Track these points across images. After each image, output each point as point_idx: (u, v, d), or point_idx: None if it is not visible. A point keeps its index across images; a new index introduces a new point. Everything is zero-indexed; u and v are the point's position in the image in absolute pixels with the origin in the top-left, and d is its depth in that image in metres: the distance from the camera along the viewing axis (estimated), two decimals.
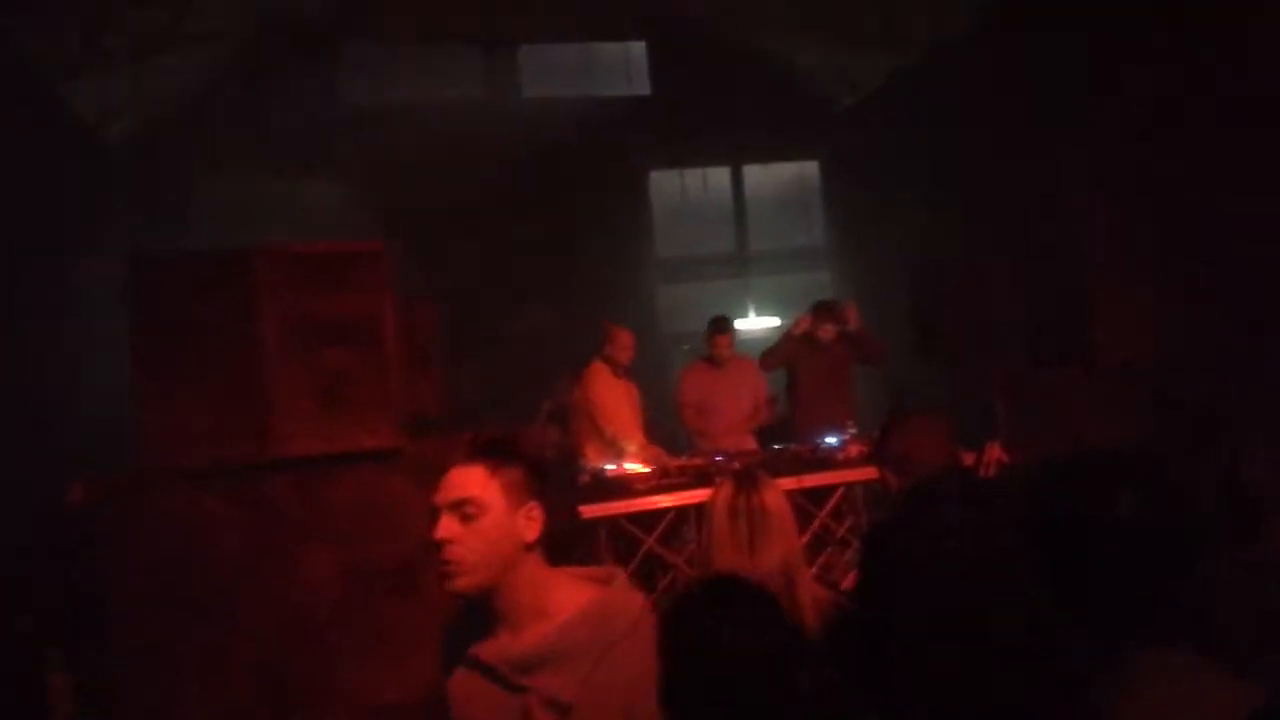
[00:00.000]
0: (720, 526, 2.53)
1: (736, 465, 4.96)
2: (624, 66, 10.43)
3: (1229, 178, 4.80)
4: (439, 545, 1.69)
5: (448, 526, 1.69)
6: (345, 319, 3.90)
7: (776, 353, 5.92)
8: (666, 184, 10.53)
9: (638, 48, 10.43)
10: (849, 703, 1.70)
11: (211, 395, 3.76)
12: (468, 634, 1.80)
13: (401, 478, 3.92)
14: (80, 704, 3.61)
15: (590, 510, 4.51)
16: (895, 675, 2.17)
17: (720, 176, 10.71)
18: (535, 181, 9.26)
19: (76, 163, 7.32)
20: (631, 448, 5.22)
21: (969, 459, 4.82)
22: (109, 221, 7.40)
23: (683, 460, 5.19)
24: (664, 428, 6.17)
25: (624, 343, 5.51)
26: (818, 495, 4.90)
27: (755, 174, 10.78)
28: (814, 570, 4.54)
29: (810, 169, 10.87)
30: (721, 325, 5.77)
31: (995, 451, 4.92)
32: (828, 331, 5.87)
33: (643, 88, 10.36)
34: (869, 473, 4.69)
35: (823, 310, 5.93)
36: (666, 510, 4.68)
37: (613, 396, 5.45)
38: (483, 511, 1.70)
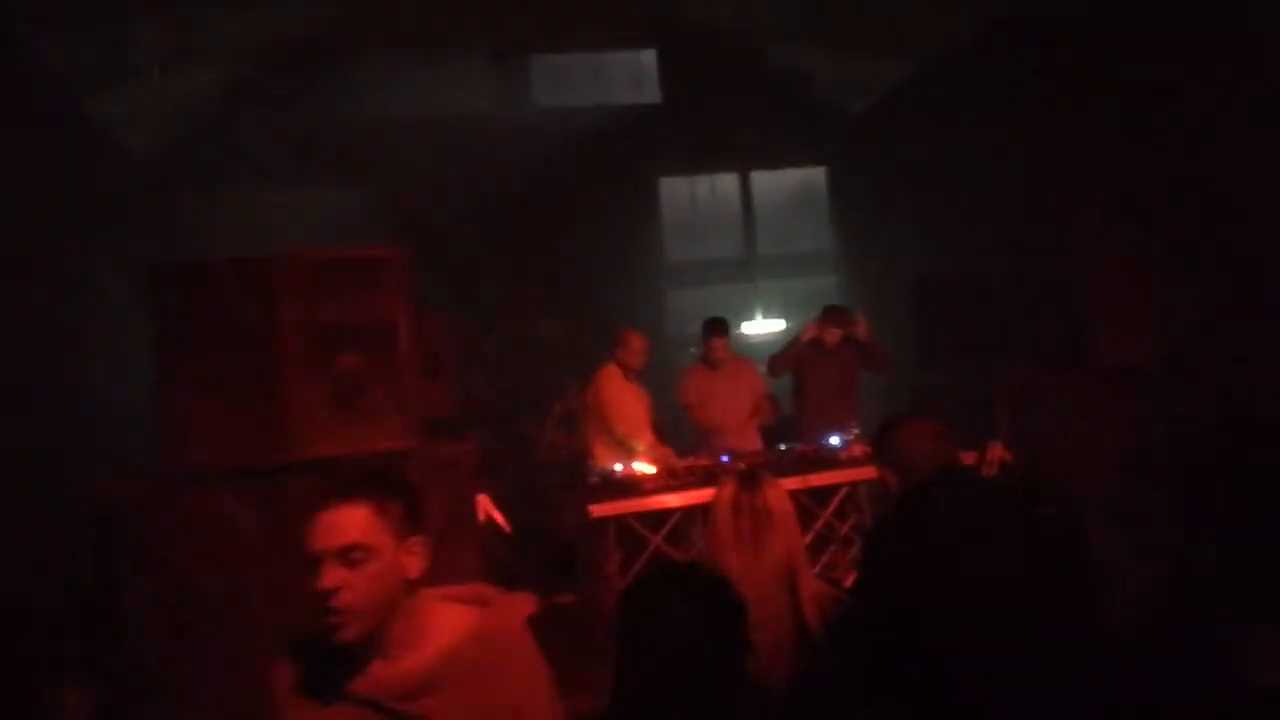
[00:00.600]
0: (724, 525, 2.58)
1: (742, 465, 5.06)
2: (634, 75, 10.55)
3: (1231, 176, 4.86)
4: (325, 595, 1.59)
5: (334, 575, 1.60)
6: (361, 323, 4.00)
7: (785, 358, 6.00)
8: (676, 190, 10.63)
9: (648, 56, 10.54)
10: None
11: (231, 399, 3.85)
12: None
13: (416, 478, 4.03)
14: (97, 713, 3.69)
15: (599, 509, 4.61)
16: (892, 670, 2.24)
17: (729, 182, 10.81)
18: (546, 188, 9.37)
19: (98, 173, 7.48)
20: (640, 447, 5.31)
21: (972, 458, 4.92)
22: (130, 230, 7.55)
23: (690, 461, 5.28)
24: (674, 430, 6.27)
25: (636, 347, 5.59)
26: (822, 494, 4.99)
27: (763, 180, 10.87)
28: (817, 568, 4.62)
29: (818, 175, 10.96)
30: (716, 328, 5.85)
31: (997, 451, 5.00)
32: (834, 335, 5.95)
33: (653, 96, 10.48)
34: (872, 472, 4.76)
35: (830, 314, 6.01)
36: (674, 510, 4.78)
37: (623, 399, 5.54)
38: (370, 556, 1.62)
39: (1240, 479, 4.20)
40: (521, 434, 7.17)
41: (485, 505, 4.78)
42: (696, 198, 10.66)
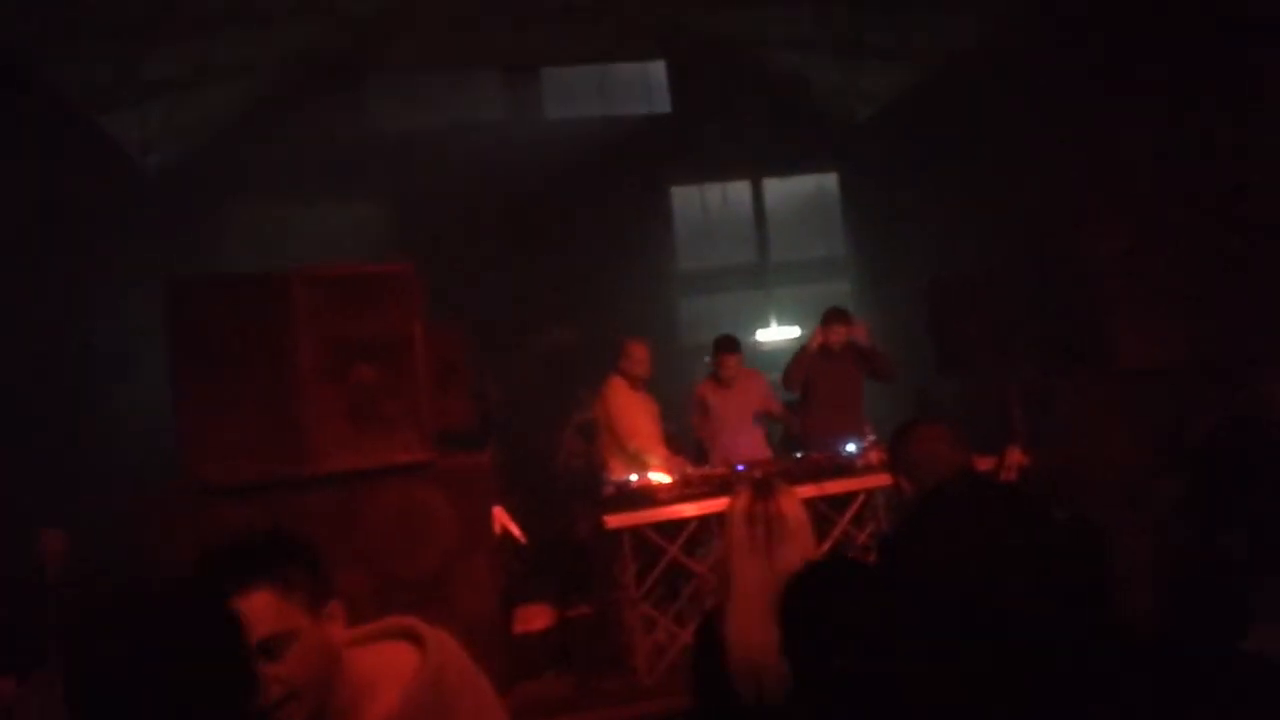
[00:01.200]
0: (739, 533, 2.59)
1: (757, 474, 5.06)
2: (644, 85, 10.59)
3: (1248, 176, 4.84)
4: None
5: (263, 671, 1.42)
6: (376, 338, 4.04)
7: (798, 369, 5.99)
8: (687, 199, 10.66)
9: (657, 67, 10.58)
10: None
11: (248, 413, 3.89)
12: None
13: (431, 489, 4.05)
14: None
15: (614, 520, 4.61)
16: (909, 676, 2.24)
17: (740, 190, 10.83)
18: (559, 200, 9.42)
19: (115, 190, 7.56)
20: (654, 461, 5.30)
21: (990, 463, 4.90)
22: (147, 246, 7.62)
23: (704, 470, 5.28)
24: (687, 439, 6.27)
25: (639, 356, 5.57)
26: (839, 502, 4.98)
27: (775, 187, 10.89)
28: None
29: (829, 181, 10.96)
30: (727, 345, 5.85)
31: (1015, 455, 4.99)
32: (838, 335, 5.95)
33: (663, 106, 10.51)
34: (889, 479, 4.75)
35: (832, 316, 6.03)
36: (689, 519, 4.78)
37: (631, 412, 5.52)
38: (289, 641, 1.47)
39: (1260, 479, 4.17)
40: (537, 445, 7.18)
41: (501, 517, 4.80)
42: (708, 206, 10.69)
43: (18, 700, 3.37)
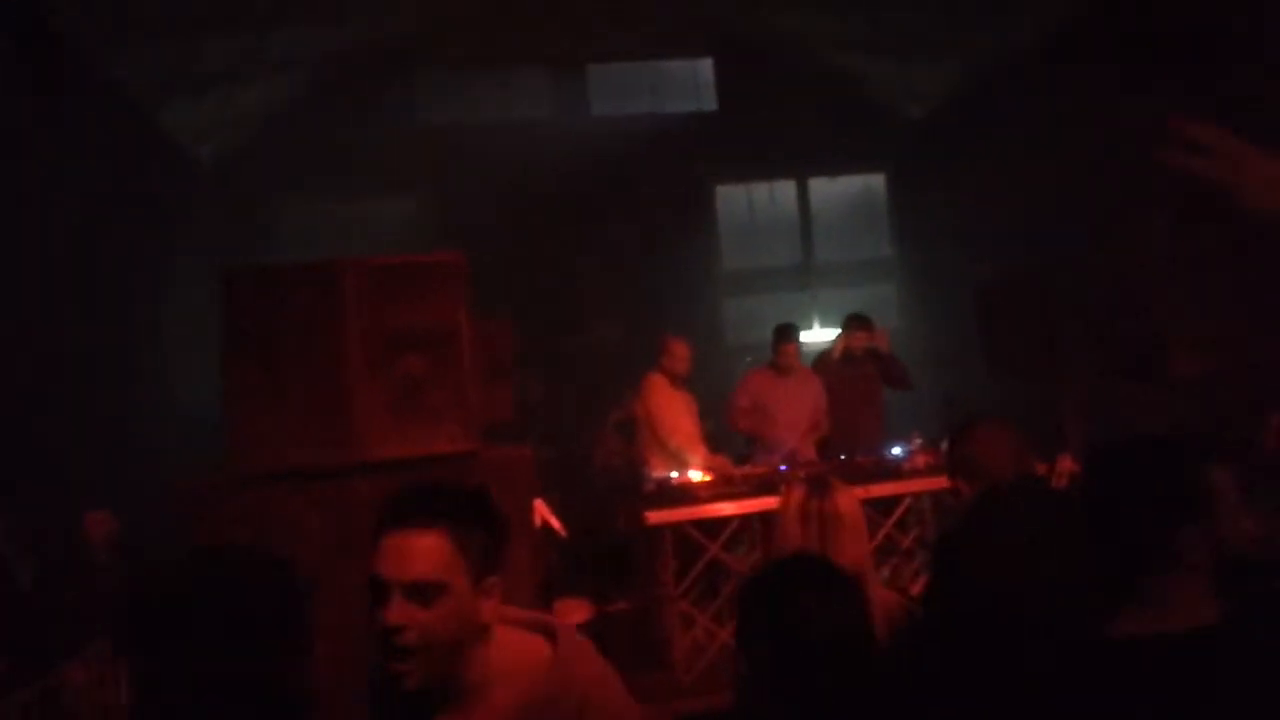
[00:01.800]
0: (791, 530, 2.56)
1: (802, 474, 5.01)
2: (691, 83, 10.56)
3: None
4: (389, 632, 1.42)
5: (401, 610, 1.42)
6: (423, 328, 4.05)
7: (821, 375, 5.94)
8: (733, 198, 10.60)
9: (704, 64, 10.54)
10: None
11: (295, 401, 3.92)
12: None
13: (476, 480, 4.05)
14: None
15: (656, 516, 4.59)
16: (961, 680, 2.19)
17: (786, 190, 10.75)
18: (604, 197, 9.42)
19: (169, 182, 7.68)
20: (696, 460, 5.28)
21: (1041, 470, 4.81)
22: (200, 237, 7.74)
23: (747, 468, 5.26)
24: (729, 439, 6.23)
25: (681, 354, 5.56)
26: (883, 505, 4.92)
27: (821, 187, 10.79)
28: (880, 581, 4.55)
29: (877, 181, 10.85)
30: (789, 334, 5.80)
31: (1067, 463, 4.89)
32: (860, 341, 5.91)
33: (710, 104, 10.47)
34: (935, 483, 4.70)
35: (855, 321, 5.98)
36: (730, 518, 4.75)
37: (672, 410, 5.51)
38: (444, 594, 1.44)
39: None
40: (577, 442, 7.19)
41: (542, 510, 4.80)
42: (754, 205, 10.62)
43: (67, 673, 3.43)
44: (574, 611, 4.96)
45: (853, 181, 10.84)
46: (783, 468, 5.11)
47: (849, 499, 2.56)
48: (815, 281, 10.58)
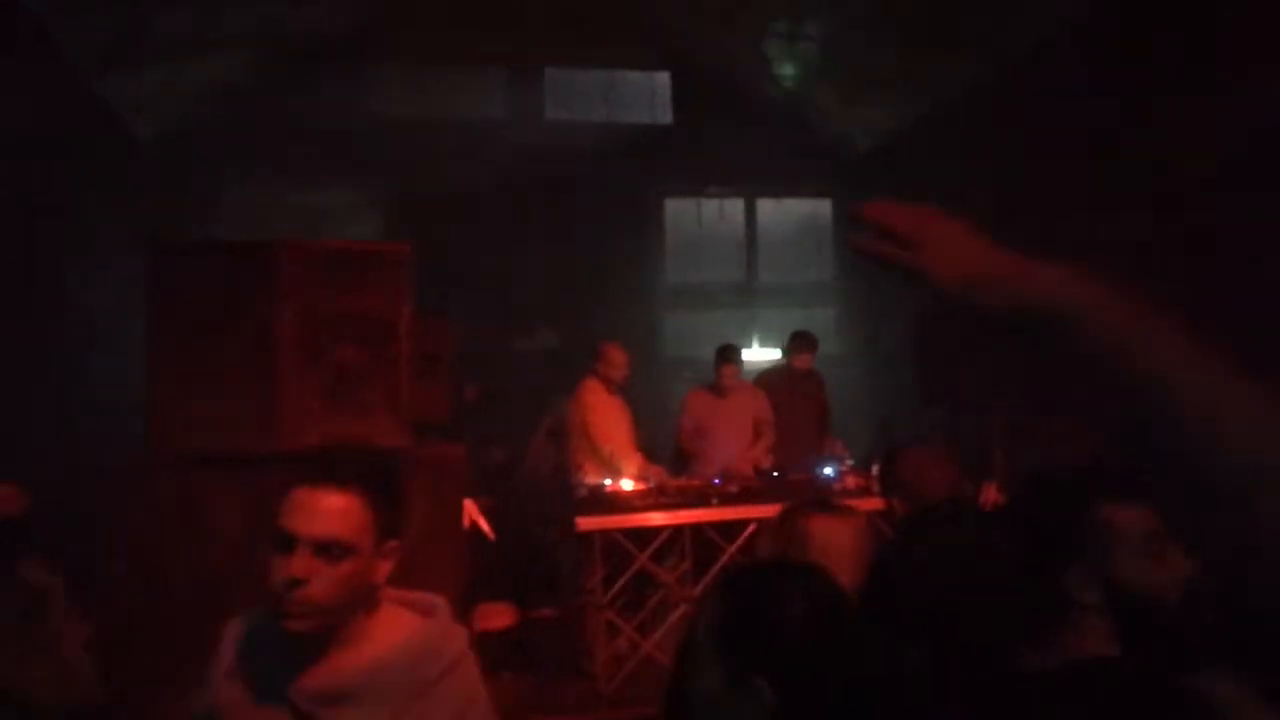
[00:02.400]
0: (763, 547, 2.55)
1: (733, 488, 5.02)
2: (648, 95, 10.58)
3: (1235, 238, 4.87)
4: (290, 583, 1.45)
5: (306, 564, 1.45)
6: (361, 317, 3.97)
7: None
8: (682, 212, 10.63)
9: (662, 78, 10.57)
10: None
11: (223, 384, 3.81)
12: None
13: (403, 478, 3.98)
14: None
15: (586, 523, 4.55)
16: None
17: (735, 208, 10.82)
18: (553, 202, 9.37)
19: (106, 155, 7.45)
20: (629, 468, 5.26)
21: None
22: (136, 215, 7.50)
23: (682, 480, 5.25)
24: (663, 450, 6.22)
25: (617, 361, 5.57)
26: None
27: (769, 208, 10.88)
28: None
29: (824, 207, 10.98)
30: (729, 355, 5.83)
31: (992, 493, 4.97)
32: (804, 361, 5.97)
33: (664, 117, 10.49)
34: (866, 504, 4.73)
35: (799, 340, 6.05)
36: (661, 528, 4.73)
37: (607, 415, 5.50)
38: (348, 554, 1.49)
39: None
40: (509, 445, 7.11)
41: (471, 511, 4.73)
42: (702, 220, 10.65)
43: None
44: (497, 615, 4.89)
45: (800, 205, 10.96)
46: (716, 481, 5.11)
47: (826, 524, 2.51)
48: (757, 300, 10.66)
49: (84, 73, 7.04)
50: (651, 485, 5.01)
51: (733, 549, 4.70)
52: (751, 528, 4.69)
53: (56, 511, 4.10)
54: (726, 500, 4.83)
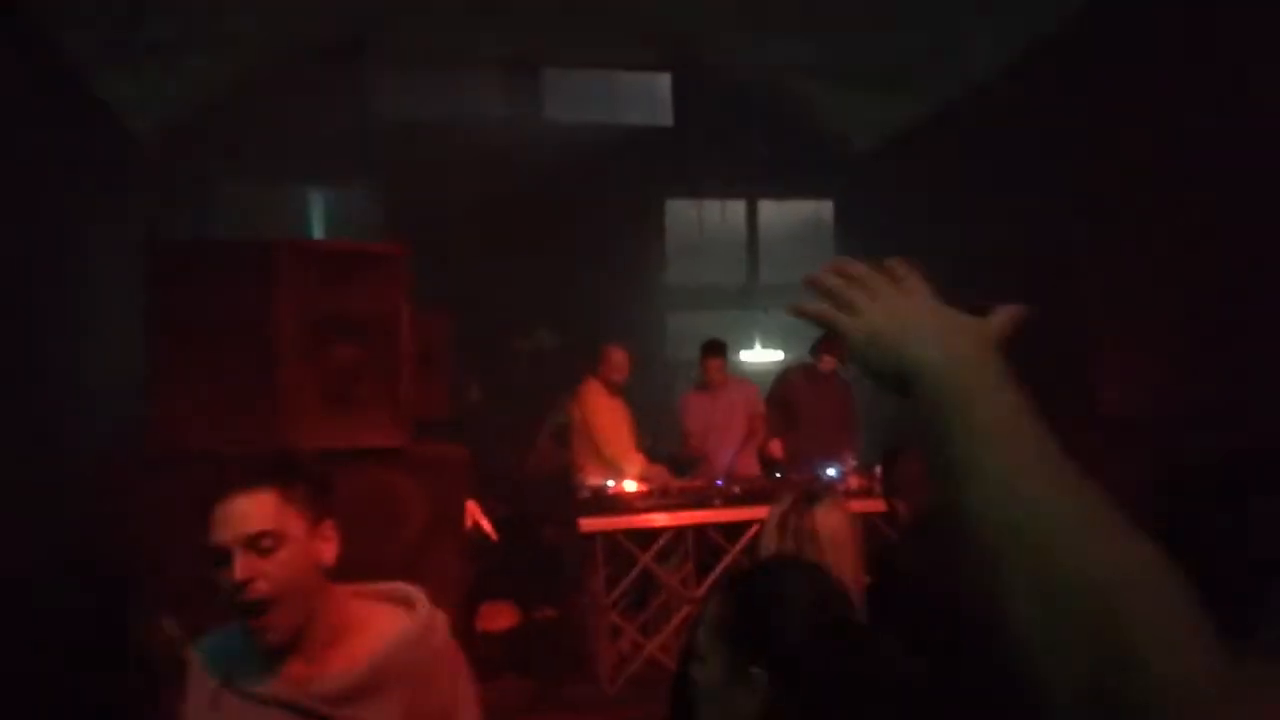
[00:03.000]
0: (770, 544, 2.52)
1: (736, 489, 4.99)
2: (648, 97, 10.54)
3: (1236, 232, 4.84)
4: (238, 588, 1.51)
5: (247, 565, 1.52)
6: (359, 317, 3.94)
7: (775, 398, 5.95)
8: (683, 213, 10.60)
9: (662, 79, 10.54)
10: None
11: (221, 384, 3.78)
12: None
13: (403, 476, 3.94)
14: None
15: (589, 524, 4.52)
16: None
17: (736, 209, 10.78)
18: (552, 203, 9.33)
19: (104, 154, 7.41)
20: (631, 469, 5.24)
21: None
22: (131, 212, 7.47)
23: (684, 481, 5.22)
24: (665, 452, 6.19)
25: (619, 362, 5.55)
26: None
27: (771, 209, 10.85)
28: None
29: (826, 208, 10.95)
30: (713, 349, 5.80)
31: None
32: (828, 363, 5.91)
33: (665, 119, 10.46)
34: (869, 505, 4.70)
35: (826, 342, 5.97)
36: (663, 529, 4.70)
37: (610, 417, 5.48)
38: (281, 542, 1.55)
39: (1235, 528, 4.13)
40: (512, 446, 7.07)
41: (473, 511, 4.69)
42: (704, 222, 10.62)
43: None
44: (500, 616, 4.86)
45: (802, 206, 10.92)
46: (719, 482, 5.08)
47: (831, 518, 2.48)
48: (759, 302, 10.62)
49: (81, 70, 7.01)
50: (654, 486, 4.97)
51: (736, 550, 4.67)
52: (755, 528, 4.65)
53: (57, 511, 4.07)
54: (729, 501, 4.80)
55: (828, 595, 1.50)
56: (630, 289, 9.72)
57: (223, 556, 1.53)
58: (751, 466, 5.77)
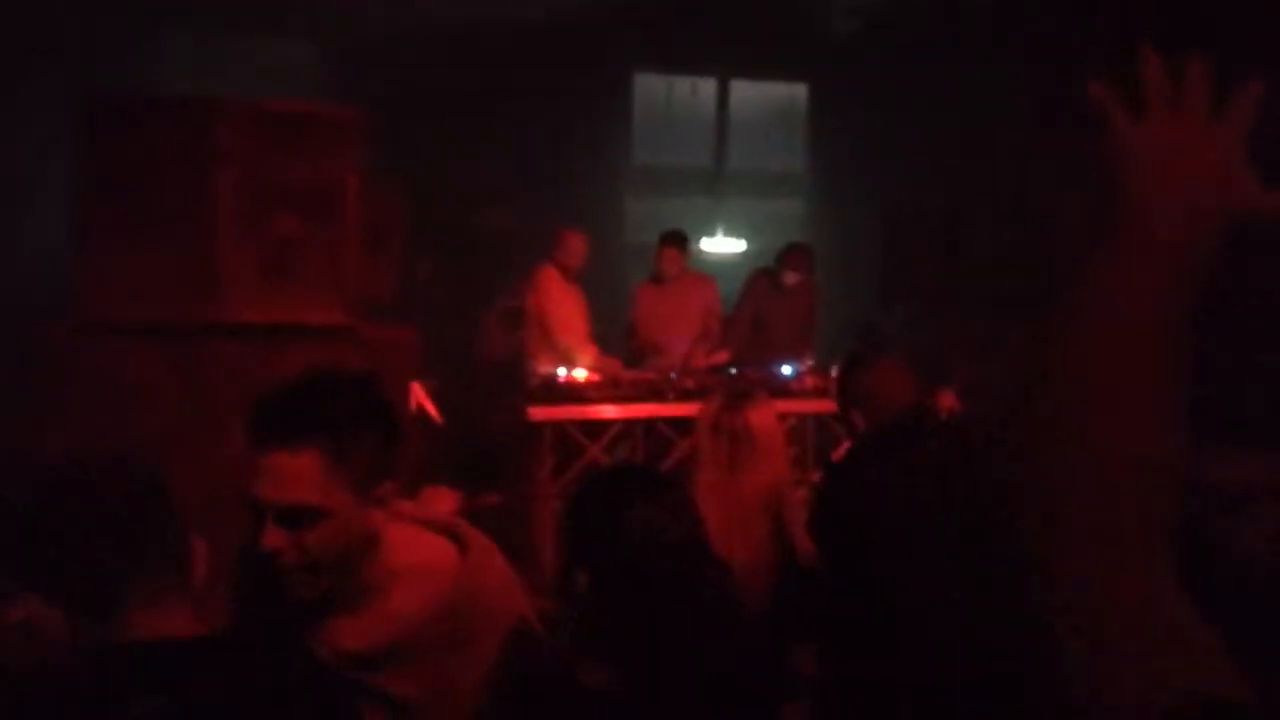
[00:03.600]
0: (701, 443, 2.52)
1: (689, 383, 4.94)
2: None
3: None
4: (264, 554, 1.31)
5: (278, 536, 1.30)
6: (306, 186, 3.74)
7: (742, 313, 5.84)
8: (651, 89, 10.23)
9: None
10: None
11: (156, 251, 3.60)
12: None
13: (346, 355, 3.81)
14: None
15: (538, 413, 4.47)
16: (850, 609, 2.17)
17: (707, 88, 10.43)
18: (515, 72, 8.93)
19: (32, 2, 6.93)
20: (584, 359, 5.16)
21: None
22: (64, 66, 7.01)
23: (637, 373, 5.17)
24: (622, 340, 6.10)
25: (575, 248, 5.38)
26: None
27: (743, 90, 10.50)
28: None
29: (799, 92, 10.64)
30: (669, 239, 5.62)
31: (949, 399, 4.93)
32: (793, 277, 5.79)
33: None
34: (822, 405, 4.70)
35: (792, 255, 5.82)
36: (614, 421, 4.66)
37: (563, 305, 5.36)
38: (323, 517, 1.32)
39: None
40: (461, 328, 6.94)
41: (418, 394, 4.60)
42: (673, 100, 10.26)
43: None
44: (440, 500, 4.82)
45: (776, 89, 10.60)
46: (673, 375, 5.02)
47: (763, 416, 2.47)
48: (725, 188, 10.40)
49: None
50: (606, 377, 4.91)
51: (686, 444, 4.65)
52: None
53: None
54: (682, 395, 4.75)
55: (670, 512, 1.49)
56: (592, 168, 9.44)
57: (257, 513, 1.31)
58: (704, 362, 5.70)
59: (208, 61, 8.21)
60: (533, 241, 6.11)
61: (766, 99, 10.58)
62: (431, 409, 4.70)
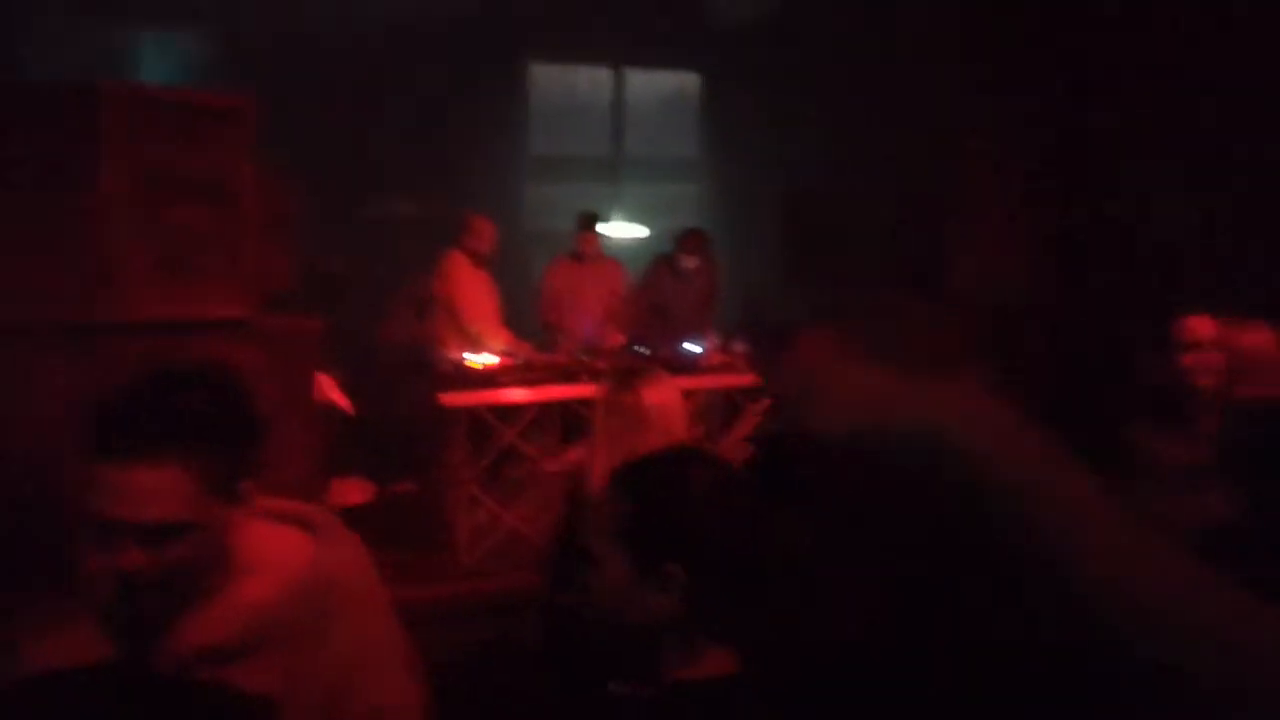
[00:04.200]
0: (597, 423, 2.54)
1: (601, 364, 4.99)
2: None
3: (1109, 133, 5.01)
4: (119, 574, 1.17)
5: (134, 556, 1.17)
6: (199, 175, 3.65)
7: (639, 297, 5.92)
8: (548, 79, 10.22)
9: None
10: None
11: (42, 247, 3.47)
12: None
13: (248, 349, 3.73)
14: None
15: (451, 399, 4.46)
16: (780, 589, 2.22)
17: (603, 77, 10.47)
18: (411, 59, 8.80)
19: None
20: (495, 344, 5.17)
21: None
22: None
23: (549, 356, 5.20)
24: (523, 324, 6.11)
25: (485, 233, 5.42)
26: None
27: (638, 79, 10.58)
28: None
29: (692, 80, 10.77)
30: (590, 222, 5.72)
31: None
32: (690, 260, 5.90)
33: None
34: (727, 380, 4.82)
35: (688, 239, 5.94)
36: (528, 405, 4.68)
37: (473, 291, 5.38)
38: (186, 531, 1.20)
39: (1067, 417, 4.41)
40: (366, 316, 6.84)
41: (326, 385, 4.54)
42: (570, 89, 10.27)
43: None
44: (354, 491, 4.77)
45: (670, 78, 10.70)
46: (583, 357, 5.07)
47: (657, 393, 2.51)
48: (623, 175, 10.47)
49: None
50: (518, 361, 4.93)
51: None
52: None
53: None
54: (595, 377, 4.79)
55: (729, 480, 1.46)
56: (491, 155, 9.38)
57: (107, 532, 1.17)
58: (613, 340, 5.77)
59: (83, 48, 7.85)
60: (434, 229, 6.07)
61: (661, 87, 10.68)
62: (341, 400, 4.64)
